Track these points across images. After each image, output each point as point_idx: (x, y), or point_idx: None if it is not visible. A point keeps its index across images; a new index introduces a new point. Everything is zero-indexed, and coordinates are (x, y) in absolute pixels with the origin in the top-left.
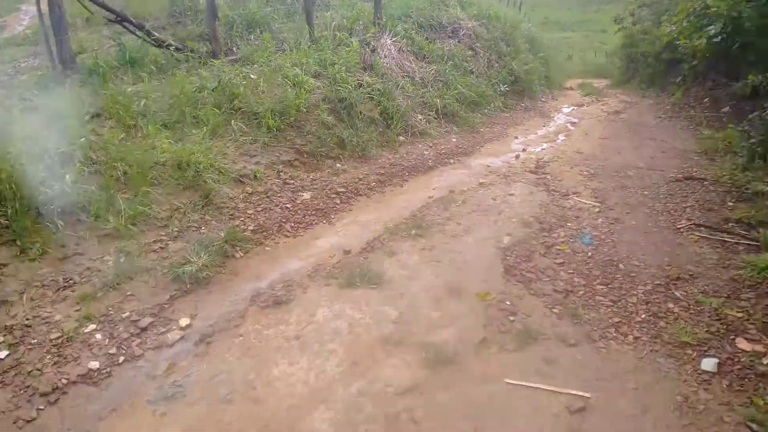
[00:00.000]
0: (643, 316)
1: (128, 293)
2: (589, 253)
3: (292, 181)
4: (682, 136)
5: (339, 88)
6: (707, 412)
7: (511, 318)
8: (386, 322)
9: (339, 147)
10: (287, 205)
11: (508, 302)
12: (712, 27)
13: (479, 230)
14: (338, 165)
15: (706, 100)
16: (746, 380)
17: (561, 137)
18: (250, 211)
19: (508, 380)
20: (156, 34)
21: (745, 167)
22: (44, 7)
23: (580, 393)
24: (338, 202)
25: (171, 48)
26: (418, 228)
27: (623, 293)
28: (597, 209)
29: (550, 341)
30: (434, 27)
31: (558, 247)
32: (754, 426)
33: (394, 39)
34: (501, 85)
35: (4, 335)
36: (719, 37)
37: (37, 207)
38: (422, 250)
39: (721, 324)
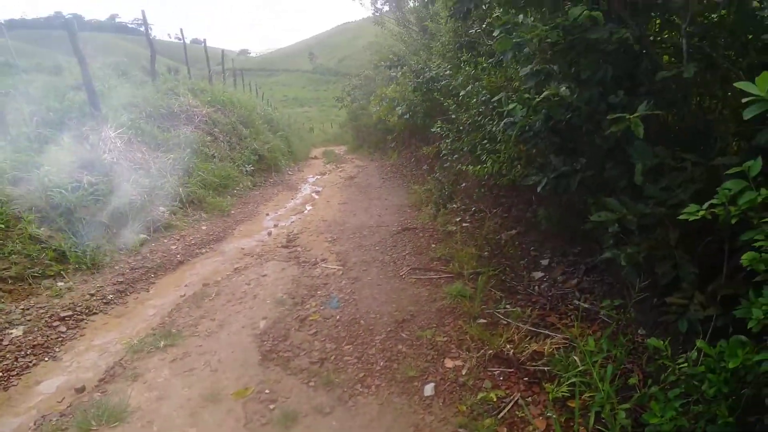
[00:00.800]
0: (381, 363)
1: None
2: (338, 317)
3: None
4: (399, 192)
5: (50, 193)
6: None
7: (271, 406)
8: None
9: (59, 262)
10: None
11: (267, 391)
12: (400, 108)
13: (235, 321)
14: (60, 284)
15: (413, 160)
16: (453, 393)
17: (308, 207)
18: None
19: None
20: None
21: (435, 215)
22: None
23: None
24: (64, 329)
25: None
26: (168, 337)
27: (365, 347)
28: (341, 272)
29: (309, 417)
30: (166, 115)
31: (311, 318)
32: (461, 430)
33: (119, 131)
34: (246, 165)
35: None
36: (407, 115)
37: None
38: (173, 362)
39: (434, 351)
